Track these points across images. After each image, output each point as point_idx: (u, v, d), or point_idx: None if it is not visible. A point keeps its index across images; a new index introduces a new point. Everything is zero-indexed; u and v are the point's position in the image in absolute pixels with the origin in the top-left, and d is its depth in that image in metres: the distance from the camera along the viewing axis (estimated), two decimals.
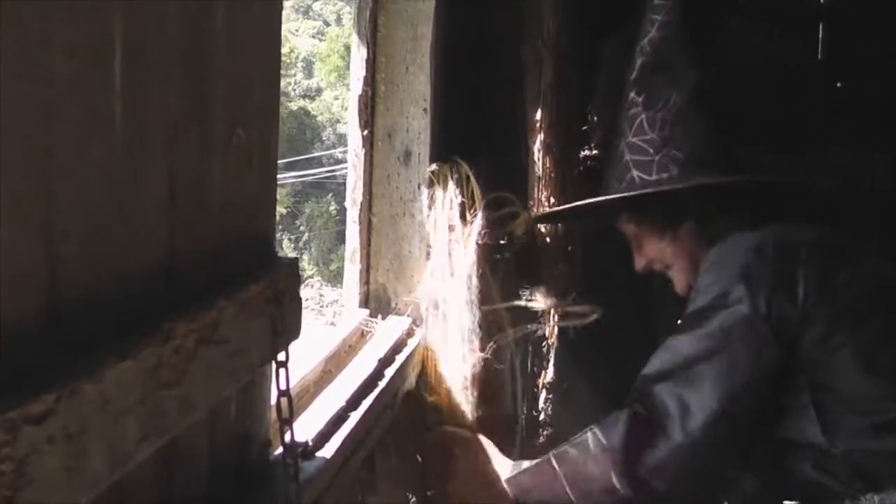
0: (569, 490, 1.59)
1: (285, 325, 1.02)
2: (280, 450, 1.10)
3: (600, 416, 1.90)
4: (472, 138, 1.97)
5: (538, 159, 2.36)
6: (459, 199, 1.81)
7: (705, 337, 1.53)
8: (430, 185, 1.82)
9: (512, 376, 2.37)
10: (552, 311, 2.12)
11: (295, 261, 1.10)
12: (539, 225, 2.10)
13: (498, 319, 1.95)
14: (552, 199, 2.40)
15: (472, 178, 1.84)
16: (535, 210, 2.30)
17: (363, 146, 1.83)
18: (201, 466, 0.93)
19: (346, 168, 1.93)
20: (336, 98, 24.62)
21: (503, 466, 1.72)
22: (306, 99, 26.12)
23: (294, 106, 24.96)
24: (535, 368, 2.65)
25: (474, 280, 1.79)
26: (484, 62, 2.07)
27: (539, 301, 2.00)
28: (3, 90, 0.59)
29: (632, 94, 1.78)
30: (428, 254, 1.82)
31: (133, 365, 0.71)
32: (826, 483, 1.48)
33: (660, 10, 1.78)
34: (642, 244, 1.82)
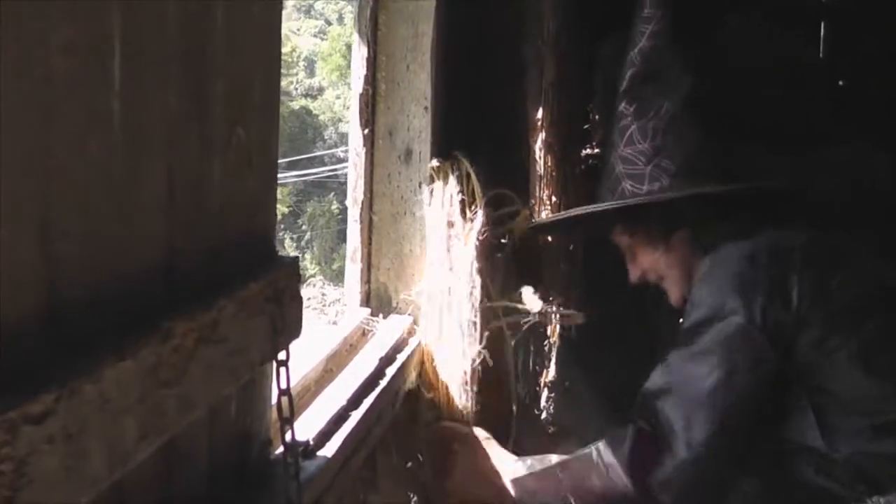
0: (572, 500, 1.61)
1: (285, 324, 1.02)
2: (281, 449, 1.10)
3: (601, 414, 1.91)
4: (473, 137, 1.97)
5: (539, 158, 2.36)
6: (460, 195, 1.80)
7: (703, 351, 1.54)
8: (431, 180, 1.81)
9: (514, 375, 2.37)
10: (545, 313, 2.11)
11: (295, 259, 1.10)
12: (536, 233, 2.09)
13: (497, 316, 1.95)
14: (553, 198, 2.40)
15: (473, 175, 1.84)
16: (536, 208, 2.30)
17: (364, 145, 1.83)
18: (201, 466, 0.93)
19: (347, 167, 1.93)
20: (338, 97, 24.63)
21: (504, 460, 1.73)
22: (308, 98, 26.12)
23: (296, 105, 24.97)
24: (537, 367, 2.65)
25: (474, 276, 1.79)
26: (484, 61, 2.07)
27: (529, 303, 2.00)
28: (3, 89, 0.59)
29: (622, 105, 1.78)
30: (428, 251, 1.82)
31: (132, 364, 0.71)
32: (829, 487, 1.48)
33: (650, 21, 1.78)
34: (636, 255, 1.83)
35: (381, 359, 1.61)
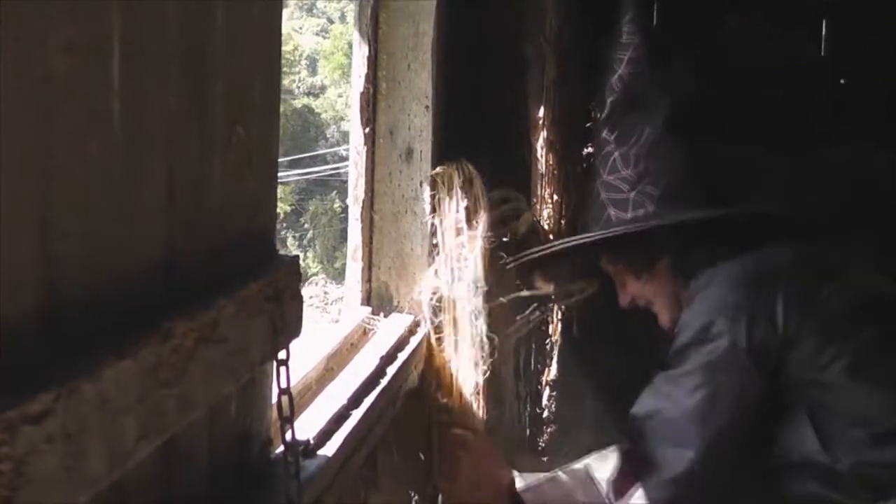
0: None
1: (286, 324, 1.02)
2: (281, 448, 1.10)
3: (603, 413, 1.91)
4: (475, 135, 1.97)
5: (541, 156, 2.36)
6: (465, 202, 1.80)
7: (689, 374, 1.55)
8: (434, 186, 1.81)
9: (515, 375, 2.37)
10: (554, 296, 2.12)
11: (296, 259, 1.10)
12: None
13: (503, 319, 1.95)
14: (555, 197, 2.40)
15: (478, 179, 1.84)
16: (537, 207, 2.30)
17: (365, 144, 1.83)
18: (201, 465, 0.93)
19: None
20: (340, 96, 24.62)
21: (503, 472, 1.74)
22: (310, 96, 26.12)
23: (298, 103, 24.96)
24: (539, 366, 2.65)
25: (482, 283, 1.79)
26: (485, 60, 2.07)
27: (540, 287, 2.00)
28: (3, 89, 0.59)
29: (604, 133, 1.78)
30: (431, 254, 1.82)
31: (132, 364, 0.71)
32: (835, 498, 1.48)
33: (627, 48, 1.78)
34: (623, 282, 1.84)
35: (381, 358, 1.61)
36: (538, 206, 2.36)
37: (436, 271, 1.81)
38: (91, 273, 0.72)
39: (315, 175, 22.62)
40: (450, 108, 1.92)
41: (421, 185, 1.82)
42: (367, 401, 1.46)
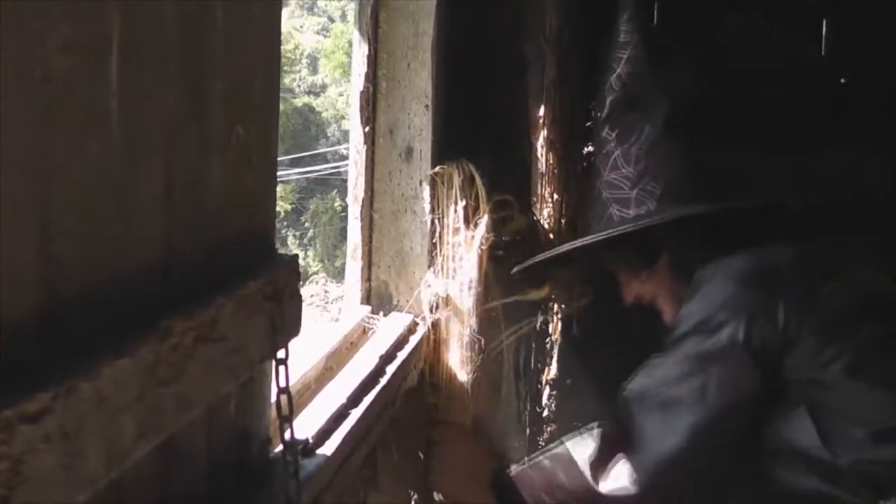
0: (546, 497, 1.63)
1: (285, 323, 1.02)
2: (280, 447, 1.10)
3: (603, 411, 1.91)
4: (474, 135, 1.97)
5: (541, 155, 2.36)
6: (464, 201, 1.80)
7: (682, 361, 1.56)
8: (434, 184, 1.81)
9: (515, 374, 2.37)
10: (551, 300, 2.12)
11: (295, 257, 1.10)
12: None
13: (500, 319, 1.95)
14: (555, 196, 2.40)
15: (478, 179, 1.84)
16: (537, 206, 2.30)
17: (364, 143, 1.83)
18: (200, 464, 0.93)
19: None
20: (341, 94, 24.61)
21: (496, 466, 1.75)
22: (311, 95, 26.12)
23: (299, 102, 24.96)
24: (539, 365, 2.65)
25: (476, 284, 1.80)
26: (485, 59, 2.07)
27: (536, 293, 2.00)
28: (2, 89, 0.59)
29: (604, 132, 1.78)
30: (430, 252, 1.82)
31: (130, 363, 0.71)
32: (835, 494, 1.48)
33: (626, 47, 1.78)
34: (626, 280, 1.84)
35: (381, 357, 1.61)
36: (538, 206, 2.36)
37: (435, 270, 1.81)
38: (90, 272, 0.72)
39: (315, 174, 22.62)
40: (450, 108, 1.92)
41: (420, 185, 1.82)
42: (367, 400, 1.46)
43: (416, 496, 1.87)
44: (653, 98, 1.75)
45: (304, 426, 1.26)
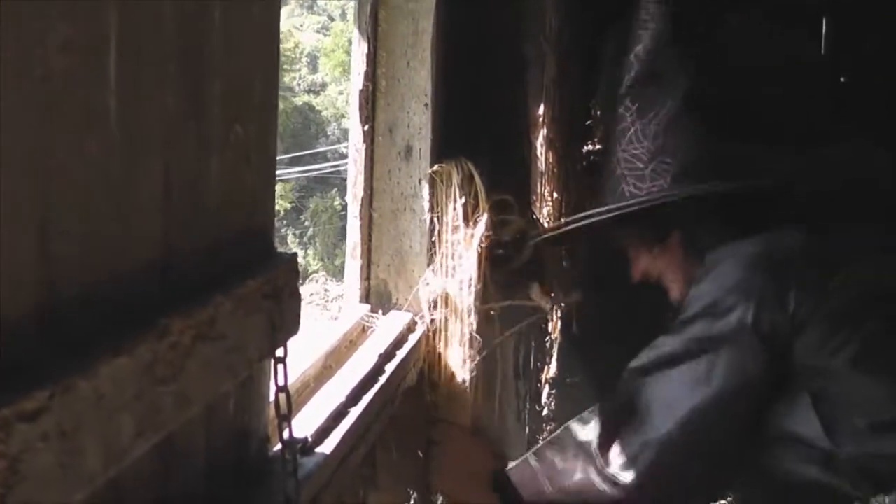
0: (549, 486, 1.62)
1: (284, 321, 1.02)
2: (279, 446, 1.10)
3: None
4: (474, 133, 1.97)
5: (541, 155, 2.36)
6: (463, 199, 1.80)
7: (691, 340, 1.55)
8: (433, 183, 1.81)
9: (515, 373, 2.37)
10: (548, 306, 2.13)
11: (294, 256, 1.10)
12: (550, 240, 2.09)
13: (499, 318, 1.96)
14: (555, 195, 2.40)
15: (477, 178, 1.84)
16: (537, 205, 2.30)
17: (364, 141, 1.83)
18: (198, 463, 0.93)
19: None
20: (341, 93, 24.62)
21: (496, 465, 1.74)
22: (311, 94, 26.12)
23: (299, 101, 24.97)
24: (539, 364, 2.66)
25: (475, 282, 1.79)
26: (484, 58, 2.07)
27: (534, 298, 2.01)
28: (2, 89, 0.59)
29: (623, 106, 1.78)
30: (429, 250, 1.82)
31: (128, 361, 0.71)
32: (834, 485, 1.48)
33: (649, 22, 1.78)
34: (635, 256, 1.84)
35: (380, 355, 1.61)
36: (538, 205, 2.36)
37: (434, 269, 1.81)
38: (89, 272, 0.72)
39: (315, 172, 22.64)
40: (449, 106, 1.92)
41: (420, 183, 1.82)
42: (366, 398, 1.46)
43: (415, 495, 1.87)
44: (672, 75, 1.74)
45: (303, 425, 1.26)
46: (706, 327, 1.54)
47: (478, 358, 1.81)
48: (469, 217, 1.81)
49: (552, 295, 2.16)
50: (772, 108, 1.92)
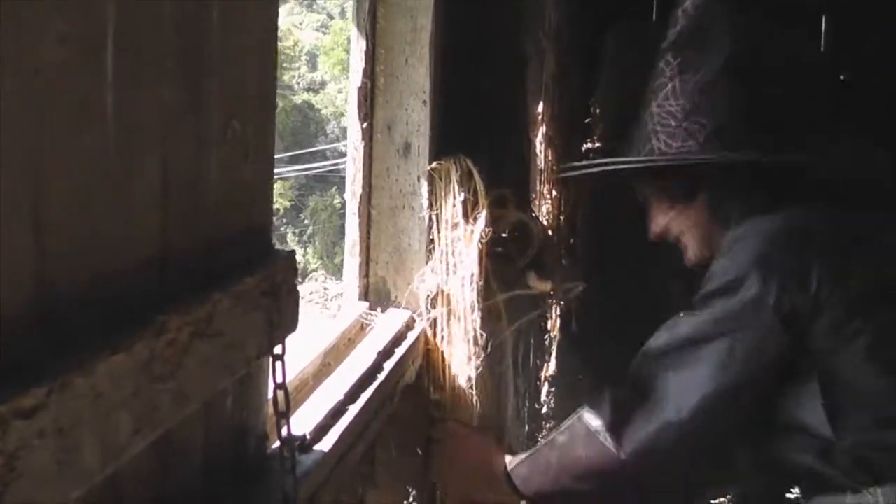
0: (563, 476, 1.60)
1: (282, 318, 1.02)
2: (277, 443, 1.09)
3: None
4: (473, 131, 1.97)
5: (540, 152, 2.36)
6: (462, 195, 1.80)
7: (710, 321, 1.53)
8: (432, 180, 1.81)
9: (514, 370, 2.37)
10: (549, 293, 2.12)
11: (292, 253, 1.09)
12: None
13: (499, 315, 1.95)
14: (553, 192, 2.40)
15: (476, 175, 1.84)
16: (536, 203, 2.30)
17: (362, 139, 1.82)
18: (196, 460, 0.93)
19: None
20: (340, 91, 24.60)
21: (499, 460, 1.73)
22: (310, 92, 26.11)
23: (298, 99, 24.96)
24: (538, 361, 2.66)
25: (477, 278, 1.79)
26: (484, 55, 2.06)
27: (535, 286, 2.00)
28: (0, 84, 0.59)
29: (667, 58, 1.75)
30: (429, 248, 1.82)
31: (126, 358, 0.71)
32: (829, 474, 1.47)
33: None
34: (657, 211, 1.81)
35: (379, 353, 1.61)
36: (537, 202, 2.36)
37: (433, 266, 1.81)
38: (84, 267, 0.71)
39: (315, 171, 22.64)
40: (448, 104, 1.92)
41: (419, 180, 1.82)
42: (364, 396, 1.46)
43: (414, 492, 1.87)
44: (716, 34, 1.73)
45: (302, 422, 1.25)
46: (726, 306, 1.52)
47: (483, 355, 1.81)
48: (468, 214, 1.80)
49: (550, 282, 2.15)
50: (771, 108, 1.91)
